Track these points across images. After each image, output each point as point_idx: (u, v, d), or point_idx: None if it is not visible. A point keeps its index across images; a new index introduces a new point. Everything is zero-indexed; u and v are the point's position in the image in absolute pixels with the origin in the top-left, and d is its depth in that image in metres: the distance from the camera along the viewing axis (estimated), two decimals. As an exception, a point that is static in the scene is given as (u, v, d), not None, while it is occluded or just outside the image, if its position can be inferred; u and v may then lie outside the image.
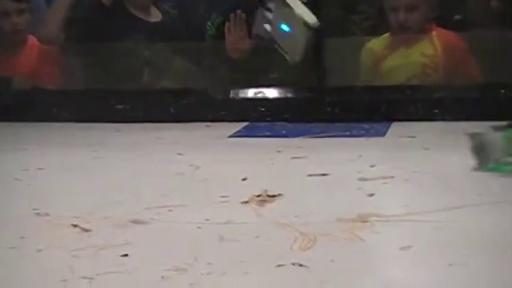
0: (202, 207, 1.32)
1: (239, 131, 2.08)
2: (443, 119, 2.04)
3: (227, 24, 2.35)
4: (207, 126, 2.18)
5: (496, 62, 2.21)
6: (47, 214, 1.30)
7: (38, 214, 1.30)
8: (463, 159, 1.67)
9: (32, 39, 2.59)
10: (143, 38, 2.51)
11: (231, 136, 2.02)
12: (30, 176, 1.63)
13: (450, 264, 0.99)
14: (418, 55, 2.31)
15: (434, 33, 2.31)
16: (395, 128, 2.02)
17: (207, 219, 1.24)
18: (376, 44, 2.38)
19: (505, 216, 1.21)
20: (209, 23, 2.46)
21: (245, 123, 2.17)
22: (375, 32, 2.54)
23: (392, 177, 1.48)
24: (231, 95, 2.28)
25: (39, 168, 1.68)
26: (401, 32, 2.32)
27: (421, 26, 2.31)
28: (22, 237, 1.17)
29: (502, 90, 2.04)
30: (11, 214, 1.32)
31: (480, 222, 1.19)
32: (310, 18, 1.57)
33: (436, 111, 2.07)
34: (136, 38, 2.50)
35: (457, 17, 2.42)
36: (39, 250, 1.11)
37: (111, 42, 2.51)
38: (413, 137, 1.88)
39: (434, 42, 2.31)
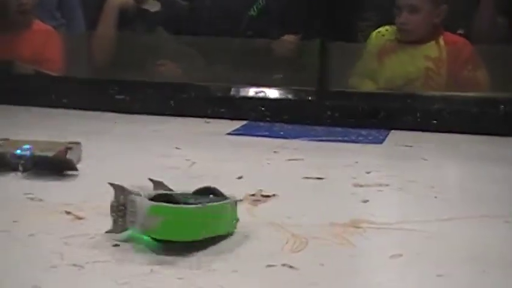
0: (195, 203, 1.32)
1: (238, 129, 2.08)
2: (441, 131, 2.05)
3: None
4: (206, 122, 2.18)
5: (497, 77, 2.22)
6: (40, 200, 1.30)
7: (32, 199, 1.30)
8: (459, 171, 1.68)
9: (38, 24, 2.59)
10: (143, 28, 2.53)
11: (229, 134, 2.02)
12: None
13: (438, 275, 0.99)
14: (422, 57, 2.31)
15: (441, 37, 2.32)
16: (394, 136, 2.02)
17: (200, 215, 1.23)
18: (388, 32, 2.38)
19: (496, 230, 1.22)
20: (254, 6, 2.51)
21: (244, 122, 2.17)
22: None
23: (387, 185, 1.48)
24: (231, 93, 2.28)
25: (36, 154, 1.68)
26: (403, 34, 2.33)
27: (424, 29, 2.31)
28: (15, 221, 1.17)
29: (502, 106, 2.04)
30: (3, 198, 1.32)
31: (471, 235, 1.19)
32: None
33: (435, 122, 2.07)
34: (135, 27, 2.52)
35: (462, 29, 2.43)
36: (31, 235, 1.11)
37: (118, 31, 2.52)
38: (411, 146, 1.89)
39: (440, 46, 2.31)
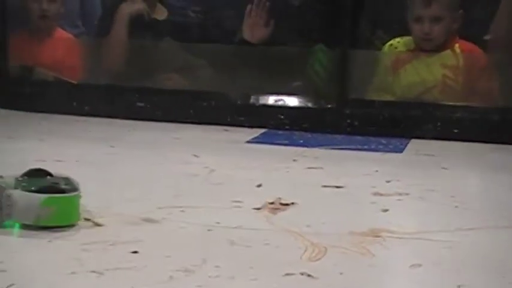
0: (214, 210, 1.32)
1: (257, 137, 2.08)
2: (462, 140, 2.03)
3: (248, 6, 2.40)
4: (225, 130, 2.18)
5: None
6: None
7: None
8: (480, 180, 1.66)
9: (60, 32, 2.61)
10: (153, 37, 2.54)
11: (248, 142, 2.02)
12: (47, 167, 1.64)
13: (459, 286, 0.98)
14: (439, 65, 2.30)
15: (457, 45, 2.30)
16: (414, 145, 2.01)
17: (218, 223, 1.23)
18: (400, 44, 2.38)
19: (518, 241, 1.20)
20: None
21: (263, 130, 2.17)
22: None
23: (407, 194, 1.47)
24: (251, 101, 2.28)
25: (57, 160, 1.69)
26: (425, 43, 2.32)
27: (445, 37, 2.31)
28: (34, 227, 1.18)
29: (524, 115, 2.03)
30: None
31: (492, 245, 1.18)
32: None
33: (456, 131, 2.06)
34: (145, 36, 2.53)
35: (481, 36, 2.41)
36: (50, 241, 1.12)
37: (133, 39, 2.53)
38: (432, 155, 1.87)
39: (457, 54, 2.30)
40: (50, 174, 1.27)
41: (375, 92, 2.37)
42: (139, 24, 2.56)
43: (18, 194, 1.16)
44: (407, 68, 2.35)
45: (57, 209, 1.15)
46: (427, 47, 2.32)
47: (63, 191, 1.19)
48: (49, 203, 1.15)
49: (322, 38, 2.45)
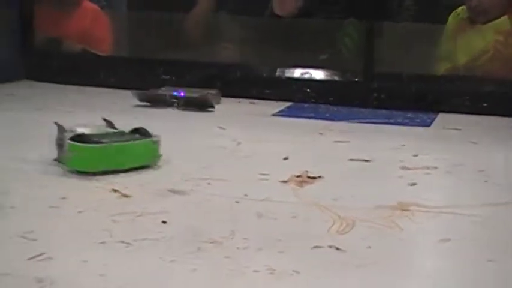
0: (241, 183, 1.32)
1: (283, 110, 2.08)
2: (491, 114, 2.00)
3: None
4: (251, 103, 2.18)
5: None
6: (87, 178, 1.31)
7: (79, 177, 1.32)
8: (510, 154, 1.64)
9: (87, 2, 2.62)
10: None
11: (274, 115, 2.02)
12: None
13: (489, 260, 0.97)
14: (492, 32, 2.26)
15: None
16: (442, 119, 1.99)
17: (246, 195, 1.24)
18: (464, 11, 2.35)
19: (549, 217, 1.19)
20: None
21: (289, 103, 2.16)
22: (427, 19, 2.50)
23: (435, 168, 1.46)
24: (277, 74, 2.27)
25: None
26: (478, 16, 2.28)
27: (499, 6, 2.26)
28: (63, 198, 1.19)
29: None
30: (52, 174, 1.34)
31: (523, 221, 1.16)
32: None
33: (485, 104, 2.03)
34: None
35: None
36: (80, 212, 1.13)
37: (164, 11, 2.52)
38: (459, 129, 1.85)
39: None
40: (141, 133, 1.41)
41: (438, 61, 2.34)
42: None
43: (66, 138, 1.35)
44: (463, 36, 2.32)
45: (75, 154, 1.32)
46: (482, 19, 2.28)
47: (93, 143, 1.32)
48: (71, 148, 1.32)
49: (349, 11, 2.42)
